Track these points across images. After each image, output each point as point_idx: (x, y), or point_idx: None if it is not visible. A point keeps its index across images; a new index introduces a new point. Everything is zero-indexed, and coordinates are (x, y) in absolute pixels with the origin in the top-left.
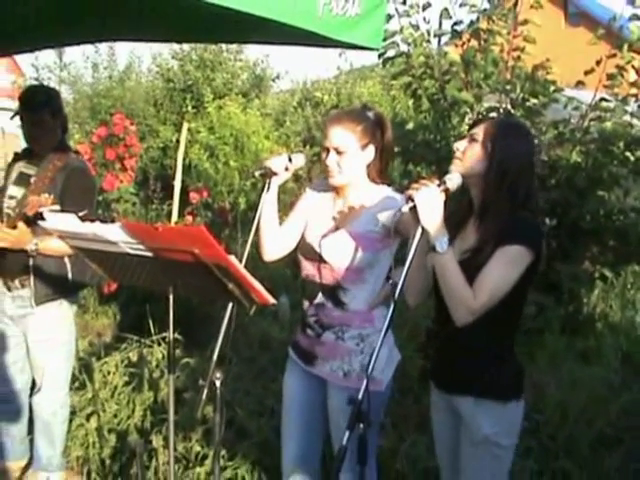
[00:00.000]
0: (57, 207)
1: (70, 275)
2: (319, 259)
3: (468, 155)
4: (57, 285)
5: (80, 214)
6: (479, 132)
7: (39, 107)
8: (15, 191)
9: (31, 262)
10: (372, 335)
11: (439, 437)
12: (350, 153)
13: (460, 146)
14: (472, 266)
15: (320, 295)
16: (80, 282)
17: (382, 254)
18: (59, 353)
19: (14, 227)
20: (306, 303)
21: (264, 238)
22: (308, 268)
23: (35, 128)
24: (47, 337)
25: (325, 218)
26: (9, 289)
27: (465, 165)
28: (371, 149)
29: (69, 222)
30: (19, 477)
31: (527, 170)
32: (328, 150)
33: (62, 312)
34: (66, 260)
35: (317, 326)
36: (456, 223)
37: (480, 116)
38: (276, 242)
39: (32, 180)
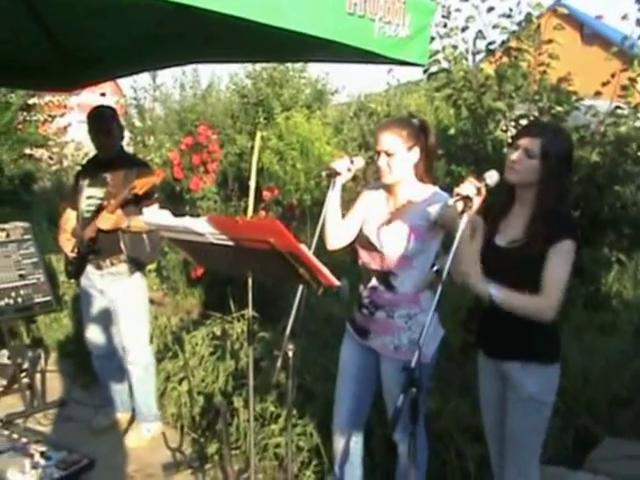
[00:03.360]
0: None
1: (149, 249)
2: (374, 248)
3: (524, 167)
4: (141, 258)
5: (155, 196)
6: (534, 148)
7: (109, 119)
8: (93, 192)
9: (122, 243)
10: (419, 314)
11: (486, 397)
12: (398, 155)
13: (515, 157)
14: (522, 256)
15: (374, 279)
16: (154, 254)
17: (429, 244)
18: (140, 317)
19: (113, 212)
20: (361, 286)
21: (329, 230)
22: (364, 256)
23: (105, 137)
24: (134, 305)
25: (379, 213)
26: (100, 268)
27: (521, 176)
28: (416, 151)
29: (164, 217)
30: (126, 428)
31: (570, 169)
32: (379, 153)
33: (143, 282)
34: (144, 237)
35: (371, 306)
36: (499, 212)
37: (512, 123)
38: (339, 234)
39: (108, 180)
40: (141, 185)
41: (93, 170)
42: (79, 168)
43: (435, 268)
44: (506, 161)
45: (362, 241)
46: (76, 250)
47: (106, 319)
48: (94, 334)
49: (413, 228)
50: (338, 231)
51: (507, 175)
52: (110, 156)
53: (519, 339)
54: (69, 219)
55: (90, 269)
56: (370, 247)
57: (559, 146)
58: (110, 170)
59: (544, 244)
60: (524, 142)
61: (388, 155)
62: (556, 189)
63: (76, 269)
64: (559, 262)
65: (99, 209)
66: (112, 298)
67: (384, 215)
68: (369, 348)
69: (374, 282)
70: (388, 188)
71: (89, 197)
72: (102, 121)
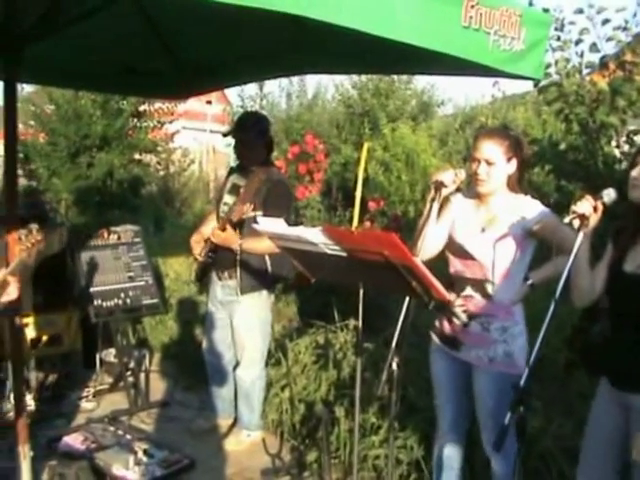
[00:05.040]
0: (258, 213)
1: (270, 269)
2: (469, 257)
3: None
4: (258, 278)
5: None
6: None
7: (246, 129)
8: (228, 199)
9: (238, 258)
10: (513, 327)
11: (599, 423)
12: (498, 165)
13: (636, 174)
14: None
15: (468, 288)
16: (278, 276)
17: (522, 253)
18: (257, 335)
19: (224, 229)
20: (453, 295)
21: (427, 240)
22: (457, 265)
23: (242, 146)
24: (248, 321)
25: (471, 221)
26: (220, 279)
27: None
28: (514, 162)
29: (278, 225)
30: (226, 433)
31: None
32: (479, 161)
33: (262, 301)
34: (266, 257)
35: (465, 316)
36: (628, 237)
37: (624, 138)
38: (434, 244)
39: (241, 190)
40: (237, 213)
41: (237, 176)
42: (229, 170)
43: (530, 282)
44: (629, 180)
45: (455, 249)
46: (203, 254)
47: (221, 329)
48: (210, 342)
49: (509, 236)
50: (433, 242)
51: (631, 193)
52: (249, 165)
53: None
54: (210, 221)
55: (214, 278)
56: (465, 255)
57: None
58: (247, 180)
59: None
60: None
61: (488, 164)
62: None
63: (201, 273)
64: None
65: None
66: (229, 310)
67: (478, 223)
68: (460, 360)
69: (469, 291)
70: (480, 197)
71: (225, 203)
72: (240, 129)
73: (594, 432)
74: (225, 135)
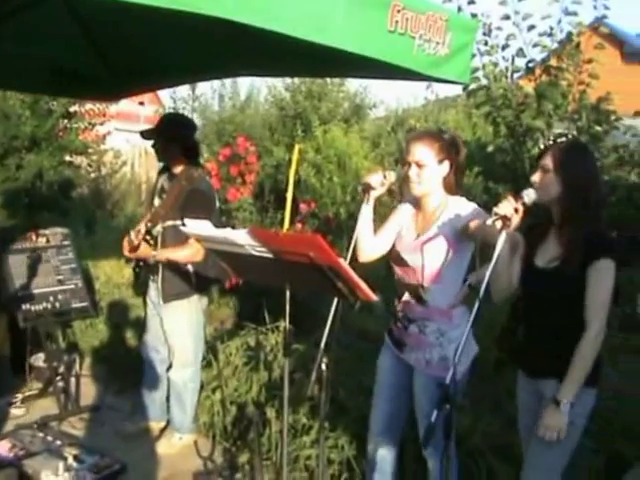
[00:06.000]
0: (177, 223)
1: (194, 278)
2: (404, 263)
3: (544, 184)
4: (183, 284)
5: None
6: (548, 162)
7: (159, 131)
8: (157, 202)
9: (160, 269)
10: (450, 331)
11: (522, 414)
12: (429, 167)
13: (536, 178)
14: (560, 275)
15: (406, 293)
16: (205, 279)
17: (458, 256)
18: (187, 338)
19: (135, 251)
20: (396, 300)
21: (361, 243)
22: (398, 271)
23: (156, 148)
24: (176, 325)
25: (411, 229)
26: (154, 281)
27: (545, 193)
28: (446, 164)
29: (204, 227)
30: (158, 436)
31: (594, 182)
32: (410, 164)
33: (191, 305)
34: (189, 266)
35: (404, 320)
36: (538, 234)
37: (550, 141)
38: (371, 247)
39: (164, 195)
40: (136, 235)
41: (164, 178)
42: (160, 168)
43: (467, 282)
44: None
45: (394, 257)
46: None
47: (155, 330)
48: (145, 342)
49: (439, 238)
50: (370, 245)
51: (534, 197)
52: (171, 167)
53: (560, 358)
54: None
55: (150, 278)
56: (402, 262)
57: (572, 155)
58: (170, 184)
59: (582, 262)
60: (541, 161)
61: (419, 166)
62: (580, 200)
63: (137, 272)
64: (599, 285)
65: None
66: (161, 313)
67: (414, 229)
68: (404, 361)
69: (406, 296)
70: (417, 201)
71: (154, 206)
72: (153, 132)
73: (522, 423)
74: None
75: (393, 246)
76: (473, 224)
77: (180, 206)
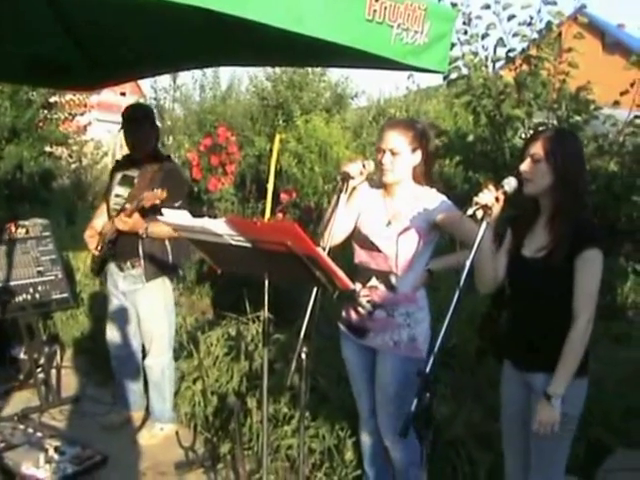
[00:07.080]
0: (146, 225)
1: (170, 257)
2: (375, 249)
3: (535, 175)
4: (161, 265)
5: (176, 204)
6: (538, 152)
7: (141, 119)
8: (121, 191)
9: (140, 247)
10: (416, 312)
11: (507, 405)
12: (402, 155)
13: (526, 168)
14: (548, 265)
15: (373, 279)
16: (177, 262)
17: (425, 245)
18: (164, 322)
19: (130, 216)
20: (359, 285)
21: (332, 228)
22: (362, 255)
23: (137, 137)
24: (154, 309)
25: (377, 213)
26: (122, 270)
27: (536, 184)
28: (418, 153)
29: (182, 217)
30: (139, 427)
31: (583, 169)
32: (384, 151)
33: (165, 287)
34: (167, 244)
35: (370, 305)
36: (525, 224)
37: (531, 131)
38: (338, 231)
39: (135, 181)
40: (149, 199)
41: (125, 168)
42: (114, 164)
43: (427, 267)
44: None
45: (360, 240)
46: (99, 248)
47: (126, 320)
48: (114, 334)
49: (414, 230)
50: (339, 231)
51: (525, 188)
52: (141, 156)
53: (548, 350)
54: (100, 215)
55: (113, 269)
56: (371, 247)
57: (563, 144)
58: (139, 170)
59: (569, 252)
60: (529, 149)
61: (393, 154)
62: (571, 190)
63: (99, 267)
64: (585, 275)
65: (122, 209)
66: (133, 300)
67: (383, 216)
68: (367, 346)
69: (374, 282)
70: (386, 188)
71: (117, 195)
72: (131, 120)
73: (506, 414)
74: (121, 129)
75: (358, 229)
76: (445, 219)
77: (158, 185)
